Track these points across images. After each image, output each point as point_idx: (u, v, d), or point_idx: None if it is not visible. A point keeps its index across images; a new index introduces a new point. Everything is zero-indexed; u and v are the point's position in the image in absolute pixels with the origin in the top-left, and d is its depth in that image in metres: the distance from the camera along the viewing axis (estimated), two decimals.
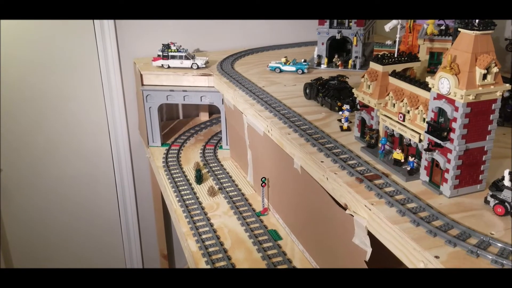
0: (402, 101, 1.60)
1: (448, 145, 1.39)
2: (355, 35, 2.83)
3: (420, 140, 1.54)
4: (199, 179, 2.66)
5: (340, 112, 2.02)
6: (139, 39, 3.39)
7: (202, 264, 2.00)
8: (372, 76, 1.72)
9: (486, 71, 1.32)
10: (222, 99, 2.89)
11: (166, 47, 2.98)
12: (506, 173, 1.35)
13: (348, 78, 2.42)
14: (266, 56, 3.32)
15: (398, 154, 1.60)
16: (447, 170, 1.42)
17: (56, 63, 3.32)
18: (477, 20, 1.32)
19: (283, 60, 2.88)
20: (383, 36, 3.46)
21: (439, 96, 1.40)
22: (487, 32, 1.33)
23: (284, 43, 3.67)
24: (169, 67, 3.00)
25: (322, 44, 2.93)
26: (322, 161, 1.70)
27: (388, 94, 1.67)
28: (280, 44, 3.65)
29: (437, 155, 1.44)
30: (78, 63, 3.37)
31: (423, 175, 1.53)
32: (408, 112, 1.58)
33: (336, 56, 2.95)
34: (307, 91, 2.36)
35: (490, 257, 1.16)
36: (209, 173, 2.76)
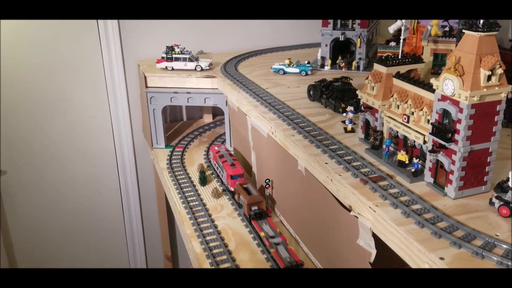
0: (406, 102, 1.60)
1: (452, 146, 1.39)
2: (359, 37, 2.83)
3: (425, 142, 1.54)
4: (203, 180, 2.67)
5: (344, 114, 2.02)
6: (143, 41, 3.40)
7: (207, 265, 2.00)
8: (376, 77, 1.72)
9: (490, 72, 1.32)
10: (226, 101, 2.90)
11: (170, 49, 2.99)
12: (511, 174, 1.35)
13: (352, 79, 2.42)
14: (270, 58, 3.32)
15: (402, 156, 1.60)
16: (451, 172, 1.41)
17: (60, 64, 3.33)
18: (481, 21, 1.32)
19: (287, 61, 2.89)
20: (387, 38, 3.45)
21: (444, 98, 1.40)
22: (491, 33, 1.33)
23: (288, 45, 3.68)
24: (173, 69, 3.01)
25: (326, 45, 2.93)
26: (326, 163, 1.70)
27: (392, 96, 1.67)
28: (283, 46, 3.66)
29: (441, 157, 1.44)
30: (82, 65, 3.39)
31: (428, 177, 1.52)
32: (412, 113, 1.58)
33: (339, 58, 2.95)
34: (311, 92, 2.37)
35: (495, 258, 1.16)
36: (213, 175, 2.76)
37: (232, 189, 2.45)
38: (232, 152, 2.71)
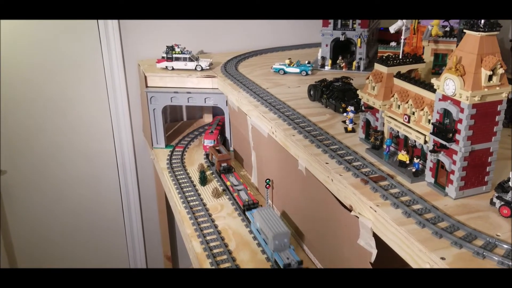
0: (407, 102, 1.60)
1: (453, 146, 1.39)
2: (359, 37, 2.83)
3: (425, 142, 1.54)
4: (203, 180, 2.66)
5: (345, 114, 2.02)
6: (143, 41, 3.39)
7: (207, 265, 2.00)
8: (377, 77, 1.72)
9: (491, 72, 1.32)
10: (226, 101, 2.90)
11: (170, 49, 2.99)
12: (511, 174, 1.35)
13: (352, 79, 2.42)
14: (270, 58, 3.32)
15: (403, 156, 1.60)
16: (452, 172, 1.41)
17: (60, 64, 3.33)
18: (482, 21, 1.32)
19: (287, 61, 2.89)
20: None
21: (445, 98, 1.40)
22: (492, 33, 1.33)
23: (288, 45, 3.68)
24: (173, 69, 3.01)
25: (326, 45, 2.93)
26: (327, 163, 1.70)
27: (393, 96, 1.67)
28: (284, 45, 3.66)
29: (442, 157, 1.44)
30: (82, 65, 3.38)
31: (429, 177, 1.52)
32: (413, 113, 1.58)
33: (340, 58, 2.95)
34: (311, 92, 2.36)
35: (496, 258, 1.16)
36: (213, 175, 2.76)
37: (206, 152, 2.93)
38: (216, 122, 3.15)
